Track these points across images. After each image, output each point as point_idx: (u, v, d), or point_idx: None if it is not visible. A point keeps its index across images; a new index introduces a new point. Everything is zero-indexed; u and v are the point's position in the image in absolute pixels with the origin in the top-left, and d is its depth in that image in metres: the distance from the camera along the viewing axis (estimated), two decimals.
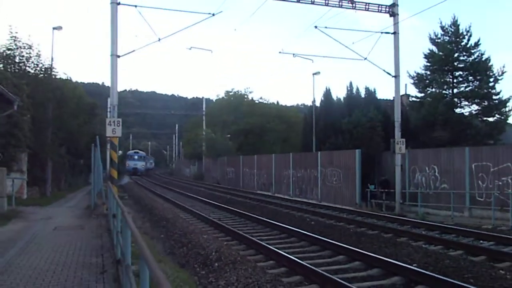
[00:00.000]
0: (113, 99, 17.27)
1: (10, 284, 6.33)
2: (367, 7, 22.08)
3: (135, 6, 16.84)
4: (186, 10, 28.79)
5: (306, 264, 9.12)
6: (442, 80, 32.77)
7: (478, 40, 31.85)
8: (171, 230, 14.70)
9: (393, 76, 22.93)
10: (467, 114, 32.52)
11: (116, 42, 16.99)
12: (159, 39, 18.11)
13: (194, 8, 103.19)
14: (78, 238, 10.51)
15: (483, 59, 31.72)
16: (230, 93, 66.29)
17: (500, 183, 18.69)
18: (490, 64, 31.63)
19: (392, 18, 22.82)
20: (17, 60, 22.79)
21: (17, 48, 22.68)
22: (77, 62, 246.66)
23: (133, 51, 17.66)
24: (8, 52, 22.54)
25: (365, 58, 22.96)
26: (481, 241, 13.09)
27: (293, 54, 25.05)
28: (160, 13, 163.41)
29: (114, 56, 16.88)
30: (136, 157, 78.27)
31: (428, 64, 33.76)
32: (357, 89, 35.46)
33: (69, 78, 33.42)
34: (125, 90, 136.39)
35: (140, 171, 75.79)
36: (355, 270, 9.46)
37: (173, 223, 16.19)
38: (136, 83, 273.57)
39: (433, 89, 33.57)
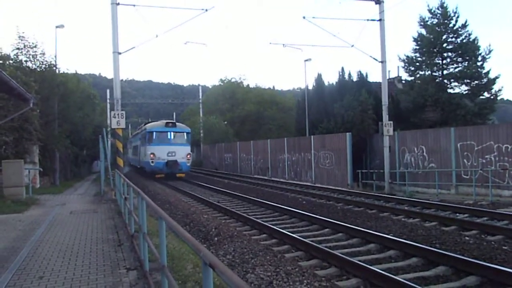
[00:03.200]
0: (117, 93, 18.37)
1: (46, 255, 7.60)
2: None
3: (134, 5, 17.92)
4: (181, 7, 29.86)
5: (294, 236, 10.37)
6: (432, 62, 33.34)
7: (466, 22, 32.64)
8: (174, 211, 15.79)
9: (379, 62, 23.79)
10: (457, 94, 32.99)
11: (117, 40, 18.07)
12: (157, 36, 19.30)
13: (189, 4, 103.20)
14: (93, 220, 11.70)
15: (471, 39, 32.37)
16: (225, 81, 66.53)
17: (484, 161, 19.70)
18: (477, 44, 32.29)
19: (378, 5, 23.74)
20: (24, 59, 23.84)
21: (24, 47, 23.71)
22: (75, 54, 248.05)
23: (133, 48, 18.83)
24: (16, 51, 23.60)
25: (352, 45, 23.90)
26: (457, 214, 14.21)
27: (283, 45, 26.11)
28: (157, 10, 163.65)
29: (116, 53, 17.98)
30: (171, 135, 34.36)
31: (417, 47, 34.52)
32: (349, 74, 36.49)
33: (73, 72, 34.32)
34: (122, 80, 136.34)
35: (184, 169, 34.08)
36: (338, 240, 10.75)
37: (176, 206, 17.34)
38: (132, 72, 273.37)
39: (423, 72, 34.20)
